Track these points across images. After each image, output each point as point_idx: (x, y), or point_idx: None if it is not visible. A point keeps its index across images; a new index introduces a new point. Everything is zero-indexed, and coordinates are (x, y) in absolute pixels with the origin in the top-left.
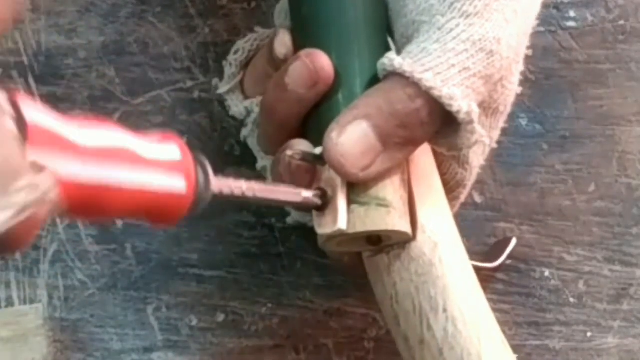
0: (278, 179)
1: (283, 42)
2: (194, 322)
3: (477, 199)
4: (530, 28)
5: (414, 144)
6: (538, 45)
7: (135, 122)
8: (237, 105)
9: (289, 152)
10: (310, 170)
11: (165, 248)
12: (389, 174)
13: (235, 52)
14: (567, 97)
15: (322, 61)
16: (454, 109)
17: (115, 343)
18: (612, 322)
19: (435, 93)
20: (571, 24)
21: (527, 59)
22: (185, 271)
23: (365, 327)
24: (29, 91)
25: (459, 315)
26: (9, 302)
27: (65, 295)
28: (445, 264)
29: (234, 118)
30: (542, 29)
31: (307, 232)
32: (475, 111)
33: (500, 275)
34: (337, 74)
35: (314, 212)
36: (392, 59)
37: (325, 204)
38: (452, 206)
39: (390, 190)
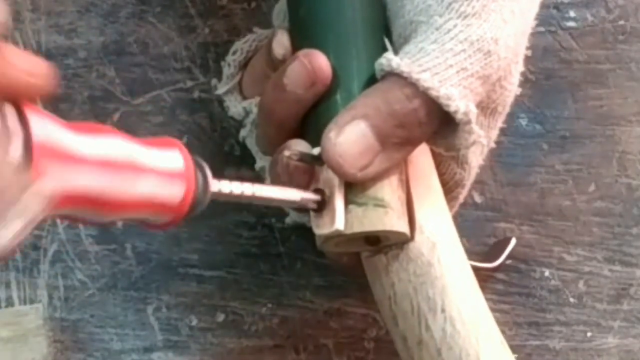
0: (276, 179)
1: (281, 43)
2: (194, 322)
3: (477, 199)
4: (529, 28)
5: (412, 144)
6: (538, 45)
7: (135, 122)
8: (235, 106)
9: (286, 153)
10: (308, 170)
11: (165, 248)
12: (387, 175)
13: (234, 53)
14: (567, 97)
15: (320, 61)
16: (452, 109)
17: (115, 343)
18: (612, 322)
19: (433, 93)
20: (571, 24)
21: (527, 59)
22: (185, 271)
23: (365, 327)
24: None
25: (457, 316)
26: (9, 302)
27: (65, 295)
28: (444, 265)
29: (233, 118)
30: (542, 29)
31: (307, 232)
32: (473, 111)
33: (500, 275)
34: (335, 74)
35: (312, 213)
36: (390, 59)
37: (323, 204)
38: (451, 206)
39: (388, 190)
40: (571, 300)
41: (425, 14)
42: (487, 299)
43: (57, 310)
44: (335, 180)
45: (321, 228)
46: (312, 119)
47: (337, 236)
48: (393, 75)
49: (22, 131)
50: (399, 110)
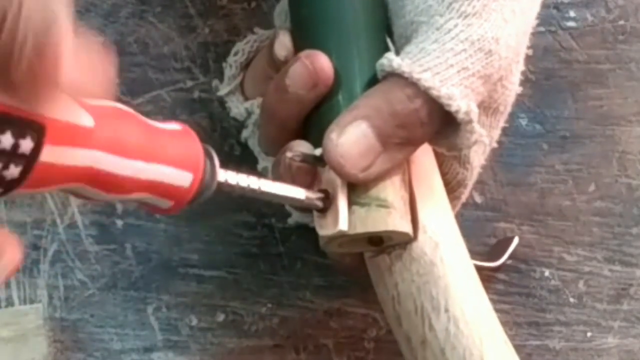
0: (278, 180)
1: (283, 44)
2: (194, 322)
3: (478, 199)
4: (530, 28)
5: (414, 144)
6: (538, 45)
7: None
8: (237, 107)
9: (289, 154)
10: (311, 171)
11: (165, 248)
12: (390, 175)
13: (235, 54)
14: (567, 97)
15: (322, 62)
16: (453, 108)
17: (115, 343)
18: (612, 322)
19: (434, 93)
20: (571, 24)
21: (527, 59)
22: (185, 271)
23: (365, 327)
24: None
25: (461, 315)
26: (9, 302)
27: (65, 295)
28: (447, 264)
29: (234, 118)
30: (542, 29)
31: (307, 232)
32: (475, 111)
33: (500, 275)
34: (337, 74)
35: (315, 214)
36: (391, 60)
37: (327, 205)
38: (453, 206)
39: (391, 190)
40: (571, 300)
41: (425, 14)
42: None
43: (57, 310)
44: (338, 181)
45: (325, 229)
46: (314, 119)
47: (341, 237)
48: (394, 75)
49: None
50: (401, 110)
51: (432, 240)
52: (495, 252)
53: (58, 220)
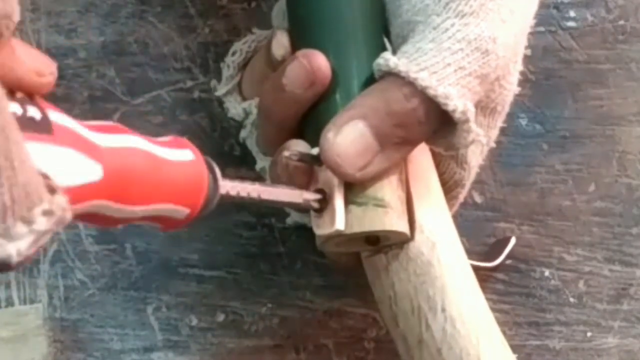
0: (276, 179)
1: (281, 43)
2: (194, 322)
3: (477, 199)
4: (528, 27)
5: (411, 143)
6: (538, 45)
7: (135, 122)
8: (235, 107)
9: (286, 153)
10: (308, 171)
11: (165, 248)
12: (387, 174)
13: (233, 54)
14: (567, 97)
15: (319, 61)
16: (450, 108)
17: (115, 343)
18: (612, 322)
19: (431, 92)
20: (571, 24)
21: (527, 59)
22: (185, 271)
23: (365, 327)
24: None
25: (458, 315)
26: (9, 302)
27: (65, 295)
28: (444, 264)
29: (233, 119)
30: (542, 29)
31: (307, 232)
32: (471, 110)
33: (500, 275)
34: (334, 74)
35: (312, 213)
36: (388, 59)
37: (324, 205)
38: (451, 206)
39: (388, 190)
40: (571, 300)
41: (422, 14)
42: (487, 299)
43: (57, 310)
44: (335, 181)
45: (321, 228)
46: (311, 119)
47: (337, 236)
48: (391, 75)
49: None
50: (398, 109)
51: (429, 240)
52: (492, 252)
53: None
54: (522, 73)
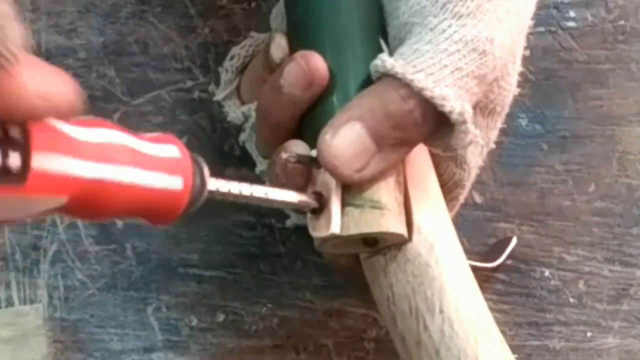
0: (274, 180)
1: (279, 46)
2: (194, 322)
3: (477, 199)
4: (526, 27)
5: (409, 144)
6: (538, 45)
7: (135, 122)
8: (234, 111)
9: (284, 155)
10: (305, 172)
11: (165, 248)
12: (384, 176)
13: (231, 58)
14: (567, 97)
15: (317, 62)
16: (447, 109)
17: (115, 343)
18: (612, 322)
19: (427, 94)
20: (571, 24)
21: (527, 59)
22: (185, 271)
23: (365, 327)
24: None
25: (456, 316)
26: (9, 302)
27: (65, 295)
28: (442, 265)
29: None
30: (542, 29)
31: (307, 233)
32: (469, 111)
33: (500, 275)
34: (332, 75)
35: (309, 215)
36: (384, 60)
37: (321, 206)
38: (451, 207)
39: (385, 192)
40: (571, 300)
41: (419, 15)
42: (487, 299)
43: (57, 310)
44: (332, 183)
45: (318, 231)
46: (309, 120)
47: (335, 238)
48: (388, 76)
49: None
50: (394, 111)
51: (427, 241)
52: (493, 252)
53: (58, 220)
54: (522, 73)
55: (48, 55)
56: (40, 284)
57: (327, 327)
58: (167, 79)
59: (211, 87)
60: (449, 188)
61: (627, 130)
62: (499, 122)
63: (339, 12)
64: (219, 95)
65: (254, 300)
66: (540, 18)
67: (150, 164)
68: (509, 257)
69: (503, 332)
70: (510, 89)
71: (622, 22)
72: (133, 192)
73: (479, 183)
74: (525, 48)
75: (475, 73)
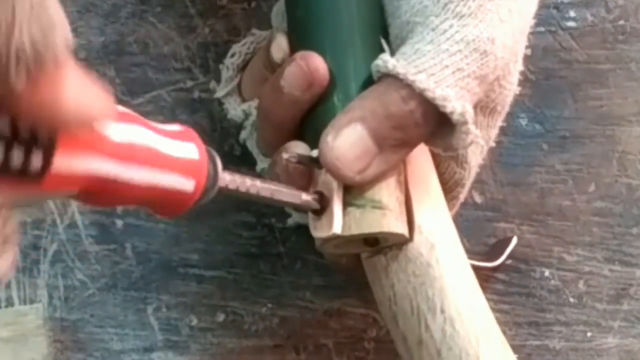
0: (274, 181)
1: (279, 46)
2: (194, 322)
3: (477, 199)
4: (528, 27)
5: (410, 145)
6: (538, 45)
7: None
8: (235, 109)
9: (285, 155)
10: (306, 173)
11: (165, 248)
12: (385, 176)
13: (232, 56)
14: (567, 97)
15: (317, 63)
16: (448, 110)
17: (115, 343)
18: (612, 322)
19: (429, 94)
20: (571, 24)
21: (527, 59)
22: (185, 271)
23: (365, 327)
24: None
25: (457, 316)
26: (9, 302)
27: (65, 295)
28: (443, 265)
29: (233, 119)
30: (542, 29)
31: (308, 232)
32: (470, 112)
33: (500, 275)
34: (333, 76)
35: (310, 215)
36: (386, 61)
37: (323, 207)
38: (451, 206)
39: (386, 192)
40: (571, 300)
41: (421, 15)
42: (487, 299)
43: (57, 310)
44: (334, 183)
45: (319, 231)
46: (310, 120)
47: (336, 238)
48: (389, 76)
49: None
50: (396, 112)
51: (428, 241)
52: (493, 252)
53: (58, 220)
54: (522, 73)
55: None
56: (40, 284)
57: (327, 327)
58: (167, 78)
59: (212, 84)
60: (449, 187)
61: (627, 130)
62: (499, 121)
63: (339, 12)
64: (219, 92)
65: (254, 300)
66: (540, 18)
67: (167, 165)
68: (509, 257)
69: (503, 332)
70: (511, 87)
71: (622, 22)
72: (145, 191)
73: (479, 183)
74: (526, 48)
75: (476, 73)
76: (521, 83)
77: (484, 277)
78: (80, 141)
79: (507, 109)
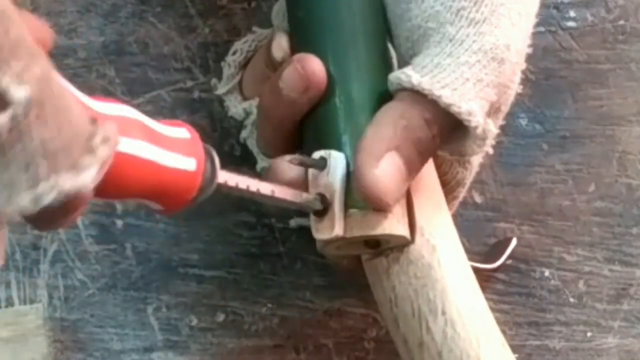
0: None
1: (280, 45)
2: (194, 322)
3: (477, 199)
4: (531, 28)
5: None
6: (538, 45)
7: None
8: (235, 106)
9: (287, 157)
10: (303, 176)
11: (165, 248)
12: None
13: (234, 53)
14: (567, 97)
15: (314, 66)
16: (473, 124)
17: (115, 343)
18: (612, 322)
19: (455, 109)
20: (571, 24)
21: (527, 59)
22: (185, 271)
23: (365, 327)
24: None
25: (458, 318)
26: (9, 302)
27: (65, 295)
28: (444, 267)
29: (233, 118)
30: (542, 29)
31: (308, 232)
32: (492, 130)
33: (500, 275)
34: (334, 77)
35: (312, 217)
36: (410, 75)
37: (324, 208)
38: (451, 206)
39: None
40: (571, 300)
41: (434, 20)
42: (487, 299)
43: (57, 310)
44: (336, 185)
45: (321, 233)
46: (312, 121)
47: (337, 240)
48: (409, 91)
49: None
50: (422, 138)
51: (430, 243)
52: (493, 253)
53: None
54: (522, 73)
55: (48, 55)
56: (40, 284)
57: (327, 327)
58: (167, 78)
59: (213, 81)
60: (451, 187)
61: (627, 130)
62: (500, 119)
63: (340, 13)
64: (220, 90)
65: (254, 300)
66: (540, 18)
67: (164, 143)
68: (509, 257)
69: (503, 332)
70: (515, 87)
71: (622, 22)
72: (147, 168)
73: (479, 183)
74: (527, 47)
75: (494, 82)
76: (521, 83)
77: (484, 277)
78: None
79: (508, 107)
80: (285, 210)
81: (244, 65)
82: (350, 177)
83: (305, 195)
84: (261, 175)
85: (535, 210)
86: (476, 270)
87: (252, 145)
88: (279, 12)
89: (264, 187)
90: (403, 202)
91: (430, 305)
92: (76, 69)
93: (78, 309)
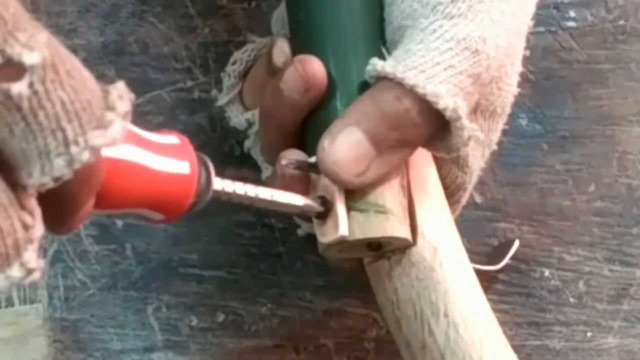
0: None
1: (281, 50)
2: (194, 322)
3: (477, 199)
4: (525, 28)
5: (409, 145)
6: (538, 45)
7: (135, 122)
8: (237, 117)
9: (283, 162)
10: (304, 179)
11: (165, 248)
12: (388, 180)
13: (233, 63)
14: (567, 97)
15: (314, 67)
16: (440, 106)
17: (115, 343)
18: (612, 322)
19: (420, 90)
20: (571, 24)
21: (527, 59)
22: (185, 271)
23: (365, 327)
24: None
25: (460, 320)
26: (9, 302)
27: (65, 295)
28: (446, 269)
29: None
30: (542, 29)
31: (307, 233)
32: (462, 107)
33: (500, 276)
34: (335, 79)
35: (315, 221)
36: (375, 64)
37: (326, 211)
38: (453, 210)
39: (389, 196)
40: (571, 300)
41: (411, 18)
42: (488, 299)
43: (57, 310)
44: (335, 188)
45: (325, 235)
46: (312, 124)
47: (340, 243)
48: (382, 79)
49: None
50: (390, 111)
51: (431, 245)
52: (495, 255)
53: None
54: (522, 73)
55: None
56: (40, 284)
57: (327, 327)
58: (167, 79)
59: (214, 92)
60: (451, 191)
61: (627, 130)
62: (500, 124)
63: (341, 16)
64: (221, 101)
65: (254, 300)
66: (540, 18)
67: (155, 148)
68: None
69: (503, 332)
70: (510, 89)
71: (622, 22)
72: (142, 174)
73: (479, 183)
74: (525, 48)
75: (469, 72)
76: (521, 83)
77: (485, 278)
78: None
79: (507, 111)
80: (289, 216)
81: (244, 75)
82: None
83: (305, 199)
84: (260, 183)
85: (535, 210)
86: (478, 273)
87: (256, 154)
88: (278, 19)
89: (263, 192)
90: (404, 204)
91: (433, 307)
92: None
93: (78, 309)
